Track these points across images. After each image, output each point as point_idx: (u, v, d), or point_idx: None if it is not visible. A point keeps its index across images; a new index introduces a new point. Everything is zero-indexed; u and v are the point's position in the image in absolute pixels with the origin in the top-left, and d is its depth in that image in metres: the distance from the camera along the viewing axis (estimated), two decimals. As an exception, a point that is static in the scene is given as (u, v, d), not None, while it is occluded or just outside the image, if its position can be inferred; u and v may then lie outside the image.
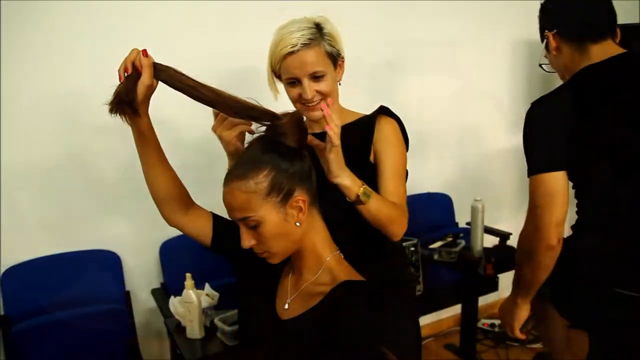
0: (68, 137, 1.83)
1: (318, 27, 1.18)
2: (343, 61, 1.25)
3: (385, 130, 1.23)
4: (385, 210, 1.10)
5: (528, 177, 1.25)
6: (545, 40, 1.31)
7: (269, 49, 1.20)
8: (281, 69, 1.19)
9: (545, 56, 1.36)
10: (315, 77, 1.18)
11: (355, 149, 1.21)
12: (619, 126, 1.18)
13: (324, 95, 1.20)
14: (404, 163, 1.24)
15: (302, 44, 1.15)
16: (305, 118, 1.09)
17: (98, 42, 1.79)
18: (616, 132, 1.18)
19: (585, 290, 1.28)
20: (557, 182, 1.21)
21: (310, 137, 1.00)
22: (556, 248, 1.23)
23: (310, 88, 1.18)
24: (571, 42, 1.25)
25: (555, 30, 1.27)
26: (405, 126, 1.27)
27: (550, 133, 1.22)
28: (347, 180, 1.03)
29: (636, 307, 1.19)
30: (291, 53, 1.15)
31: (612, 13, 1.26)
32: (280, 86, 1.26)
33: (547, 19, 1.30)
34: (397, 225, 1.14)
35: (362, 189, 1.05)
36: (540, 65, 1.34)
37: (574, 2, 1.26)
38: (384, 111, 1.27)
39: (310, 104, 1.20)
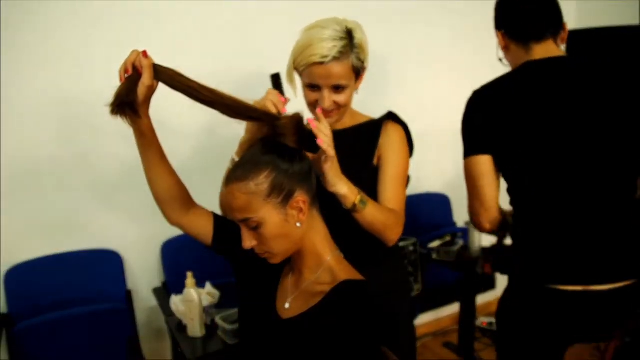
0: (70, 137, 1.84)
1: (349, 36, 1.18)
2: (364, 72, 1.26)
3: (390, 136, 1.25)
4: (380, 217, 1.13)
5: None
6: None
7: (295, 47, 1.20)
8: (304, 73, 1.20)
9: None
10: (336, 88, 1.19)
11: (358, 151, 1.25)
12: (547, 124, 1.19)
13: (339, 106, 1.22)
14: (406, 169, 1.25)
15: (333, 57, 1.15)
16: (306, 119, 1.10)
17: (99, 43, 1.80)
18: (542, 129, 1.20)
19: (518, 288, 1.29)
20: (482, 165, 1.26)
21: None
22: (490, 229, 1.30)
23: (329, 99, 1.19)
24: (517, 42, 1.28)
25: (503, 30, 1.31)
26: (404, 126, 1.28)
27: (479, 118, 1.26)
28: (344, 189, 1.04)
29: (570, 302, 1.20)
30: (320, 64, 1.15)
31: (557, 14, 1.27)
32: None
33: (496, 19, 1.34)
34: (391, 232, 1.16)
35: (358, 197, 1.07)
36: (500, 60, 1.38)
37: (519, 2, 1.28)
38: (391, 117, 1.29)
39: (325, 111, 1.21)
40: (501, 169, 1.27)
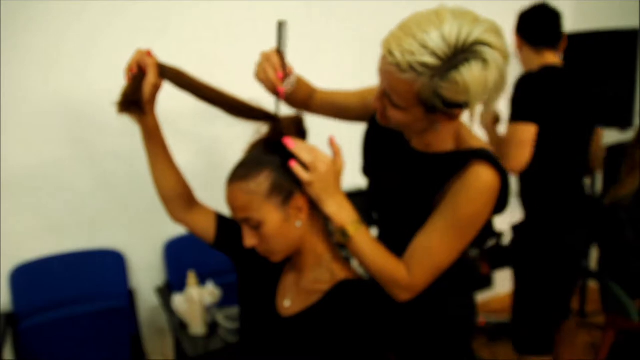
0: (73, 136, 1.84)
1: (450, 60, 0.77)
2: (449, 115, 0.88)
3: (471, 183, 0.90)
4: (370, 264, 0.95)
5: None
6: None
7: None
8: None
9: None
10: (390, 102, 0.88)
11: (420, 188, 0.99)
12: (564, 124, 1.55)
13: (386, 118, 0.93)
14: (466, 224, 0.93)
15: (395, 62, 0.80)
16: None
17: (102, 42, 1.81)
18: (560, 128, 1.55)
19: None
20: (527, 132, 1.49)
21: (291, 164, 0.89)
22: None
23: (379, 99, 0.91)
24: (529, 45, 1.65)
25: (520, 35, 1.67)
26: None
27: (529, 92, 1.54)
28: (330, 208, 0.92)
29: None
30: (384, 57, 0.83)
31: (560, 27, 1.63)
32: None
33: (518, 25, 1.70)
34: (387, 289, 0.97)
35: (349, 227, 0.93)
36: (516, 57, 1.69)
37: (535, 17, 1.64)
38: (484, 156, 0.91)
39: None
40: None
